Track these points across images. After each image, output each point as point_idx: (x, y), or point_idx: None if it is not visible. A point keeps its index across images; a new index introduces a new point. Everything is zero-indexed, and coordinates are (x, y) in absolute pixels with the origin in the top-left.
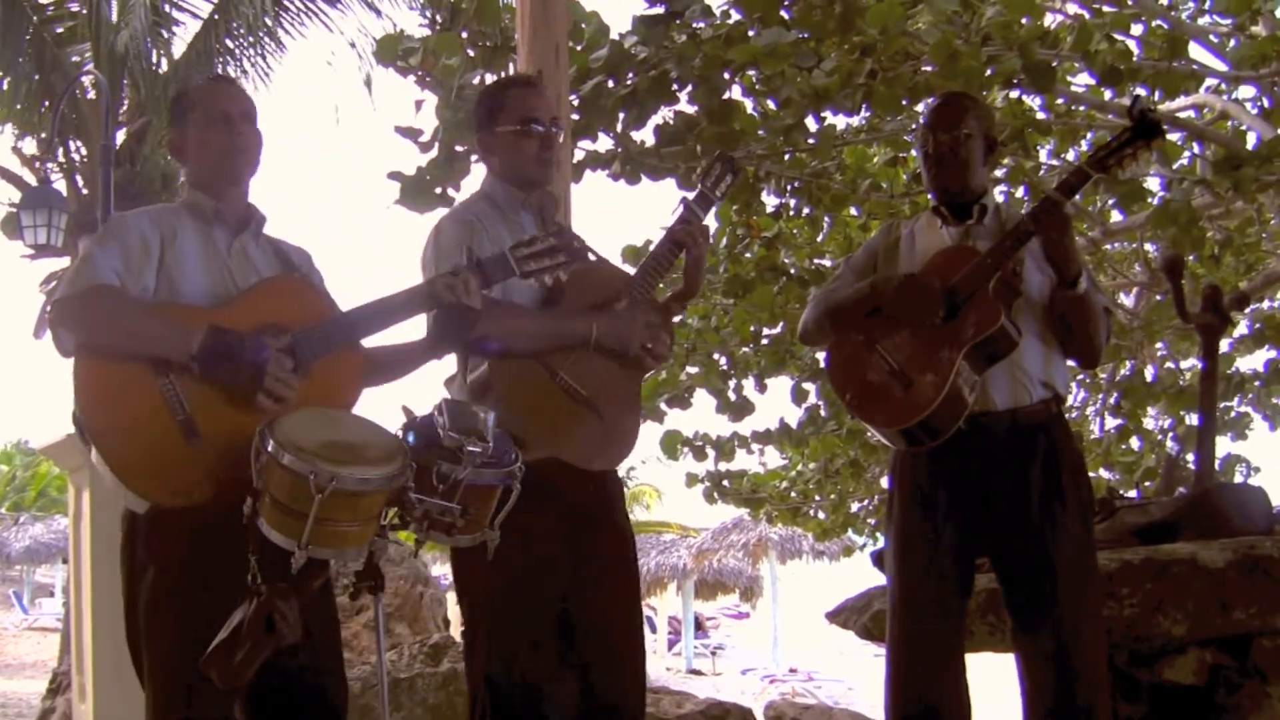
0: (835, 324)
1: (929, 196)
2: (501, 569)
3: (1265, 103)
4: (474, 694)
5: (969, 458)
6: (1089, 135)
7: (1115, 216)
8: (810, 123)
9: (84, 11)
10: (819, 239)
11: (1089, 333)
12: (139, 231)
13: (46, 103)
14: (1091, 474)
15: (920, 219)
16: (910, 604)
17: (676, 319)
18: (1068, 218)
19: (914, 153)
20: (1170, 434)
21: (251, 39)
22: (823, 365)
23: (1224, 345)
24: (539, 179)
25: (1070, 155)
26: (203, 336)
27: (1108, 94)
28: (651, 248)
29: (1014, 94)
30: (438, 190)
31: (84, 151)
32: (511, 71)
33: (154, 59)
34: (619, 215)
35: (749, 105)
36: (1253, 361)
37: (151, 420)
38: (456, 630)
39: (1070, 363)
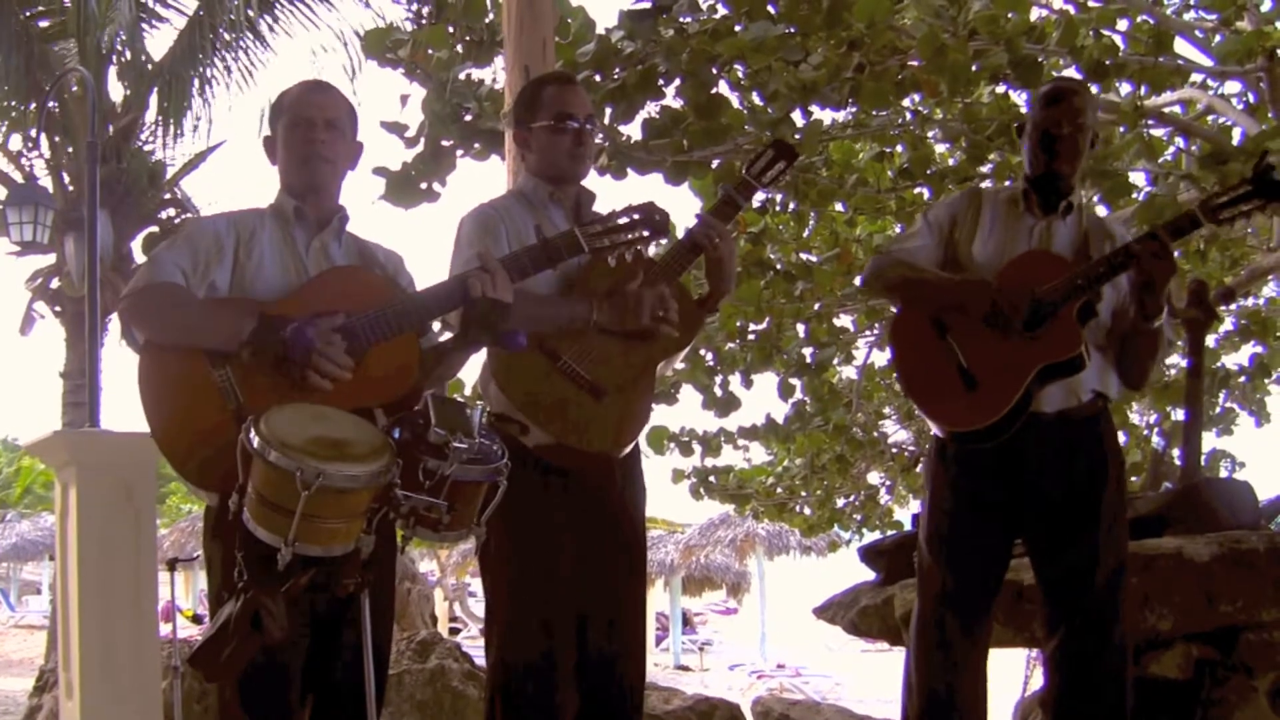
0: (907, 295)
1: (1024, 180)
2: (517, 554)
3: (1250, 98)
4: (489, 675)
5: (1017, 453)
6: None
7: (1101, 211)
8: (797, 117)
9: (69, 5)
10: (805, 234)
11: (1148, 362)
12: (213, 232)
13: (33, 99)
14: None
15: (1002, 194)
16: (941, 598)
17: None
18: (1174, 261)
19: (900, 148)
20: (1156, 429)
21: (235, 35)
22: (888, 336)
23: (1210, 341)
24: (572, 173)
25: None
26: (253, 324)
27: (1094, 89)
28: (670, 244)
29: (1000, 89)
30: (423, 185)
31: (70, 148)
32: (500, 66)
33: (139, 55)
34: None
35: (735, 100)
36: (1238, 357)
37: (206, 410)
38: (444, 626)
39: None
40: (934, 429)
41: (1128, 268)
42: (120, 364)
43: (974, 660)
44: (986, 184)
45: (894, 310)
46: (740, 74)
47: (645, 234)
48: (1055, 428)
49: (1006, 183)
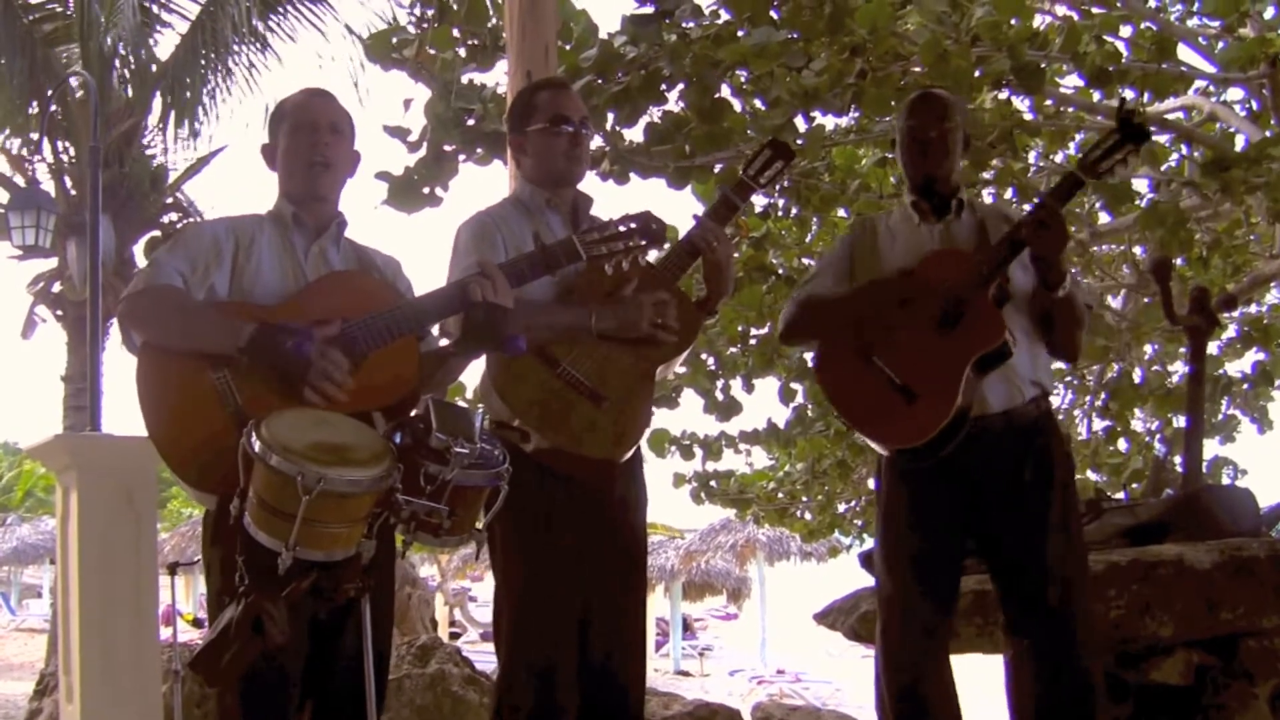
0: (822, 329)
1: (906, 192)
2: (524, 558)
3: (1253, 105)
4: (498, 678)
5: (965, 460)
6: (1078, 136)
7: (1103, 218)
8: (799, 123)
9: (72, 12)
10: (807, 239)
11: (1070, 331)
12: (212, 235)
13: (35, 103)
14: (1079, 476)
15: (893, 215)
16: (902, 605)
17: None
18: (1065, 229)
19: None
20: (1158, 436)
21: (238, 38)
22: (815, 378)
23: (1212, 347)
24: (568, 176)
25: (1059, 157)
26: (251, 331)
27: (1096, 95)
28: (669, 247)
29: (1003, 95)
30: (425, 190)
31: (72, 152)
32: (502, 70)
33: (142, 60)
34: (608, 214)
35: (738, 105)
36: (1241, 364)
37: (204, 413)
38: (444, 631)
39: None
40: (883, 450)
41: (1025, 243)
42: (121, 368)
43: (938, 665)
44: (988, 190)
45: (812, 355)
46: (743, 79)
47: (642, 242)
48: (1001, 435)
49: (1009, 190)
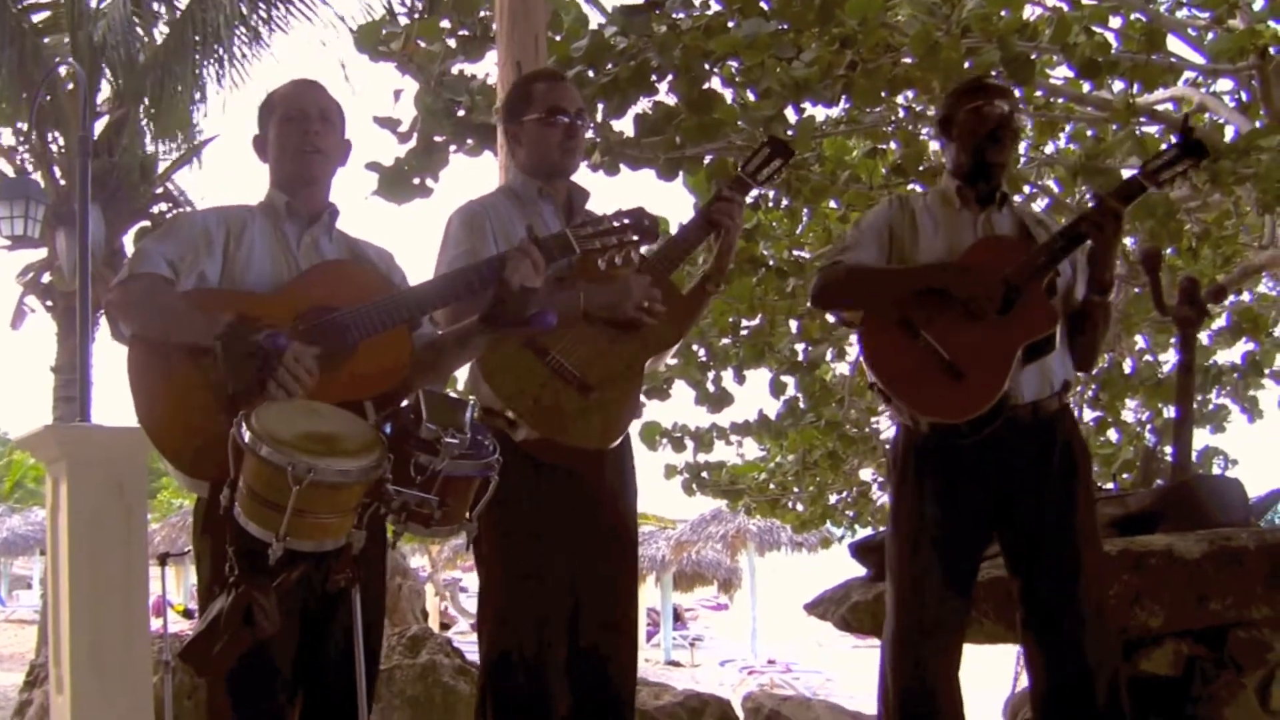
0: (867, 298)
1: (948, 176)
2: (507, 548)
3: (1243, 96)
4: (481, 668)
5: (994, 447)
6: (1068, 127)
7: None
8: (790, 114)
9: (63, 1)
10: (798, 231)
11: (1099, 337)
12: (202, 225)
13: (25, 93)
14: None
15: (928, 197)
16: (920, 592)
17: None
18: (1121, 229)
19: (893, 145)
20: (1148, 426)
21: (228, 30)
22: (856, 343)
23: (1202, 338)
24: (563, 167)
25: (1049, 148)
26: (226, 323)
27: (1086, 86)
28: (679, 226)
29: None
30: (416, 181)
31: (62, 142)
32: (492, 61)
33: (133, 49)
34: (598, 206)
35: (728, 96)
36: (1231, 354)
37: (196, 400)
38: (435, 622)
39: None
40: (907, 420)
41: (1085, 238)
42: (111, 358)
43: (947, 659)
44: None
45: (856, 322)
46: (733, 70)
47: (635, 238)
48: (1029, 425)
49: None
